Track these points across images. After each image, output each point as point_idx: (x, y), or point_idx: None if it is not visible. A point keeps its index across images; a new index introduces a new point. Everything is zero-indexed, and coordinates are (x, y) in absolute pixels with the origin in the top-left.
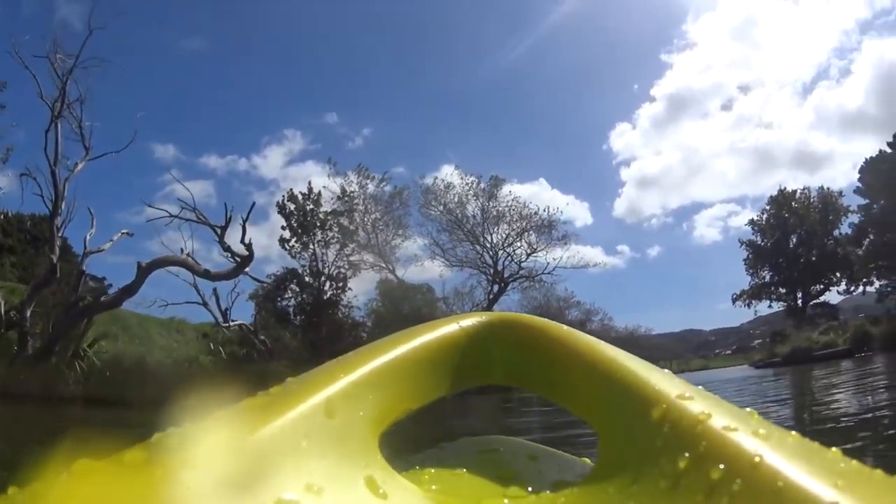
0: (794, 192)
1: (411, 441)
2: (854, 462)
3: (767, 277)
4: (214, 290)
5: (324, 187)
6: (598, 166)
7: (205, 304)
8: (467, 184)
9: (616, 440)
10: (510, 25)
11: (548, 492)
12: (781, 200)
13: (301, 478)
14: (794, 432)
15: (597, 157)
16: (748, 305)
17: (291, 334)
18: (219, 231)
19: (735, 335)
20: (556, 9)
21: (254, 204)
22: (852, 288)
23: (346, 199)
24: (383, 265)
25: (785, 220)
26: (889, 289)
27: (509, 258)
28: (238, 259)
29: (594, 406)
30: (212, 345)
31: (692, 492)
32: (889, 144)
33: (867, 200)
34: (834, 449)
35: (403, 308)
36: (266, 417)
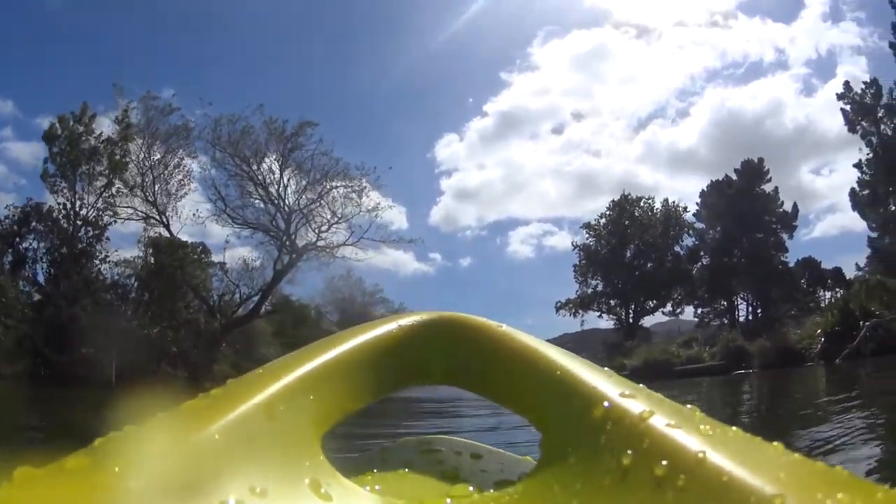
0: (639, 198)
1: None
2: (796, 455)
3: (600, 287)
4: None
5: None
6: (419, 173)
7: None
8: (270, 129)
9: (559, 438)
10: (366, 22)
11: (491, 490)
12: (623, 205)
13: (244, 481)
14: (735, 428)
15: (420, 163)
16: (574, 315)
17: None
18: None
19: None
20: (411, 13)
21: None
22: (678, 310)
23: (123, 123)
24: (156, 217)
25: (624, 228)
26: (710, 316)
27: (305, 223)
28: None
29: (536, 405)
30: None
31: (637, 488)
32: (736, 172)
33: (703, 225)
34: (776, 443)
35: (174, 271)
36: (207, 420)
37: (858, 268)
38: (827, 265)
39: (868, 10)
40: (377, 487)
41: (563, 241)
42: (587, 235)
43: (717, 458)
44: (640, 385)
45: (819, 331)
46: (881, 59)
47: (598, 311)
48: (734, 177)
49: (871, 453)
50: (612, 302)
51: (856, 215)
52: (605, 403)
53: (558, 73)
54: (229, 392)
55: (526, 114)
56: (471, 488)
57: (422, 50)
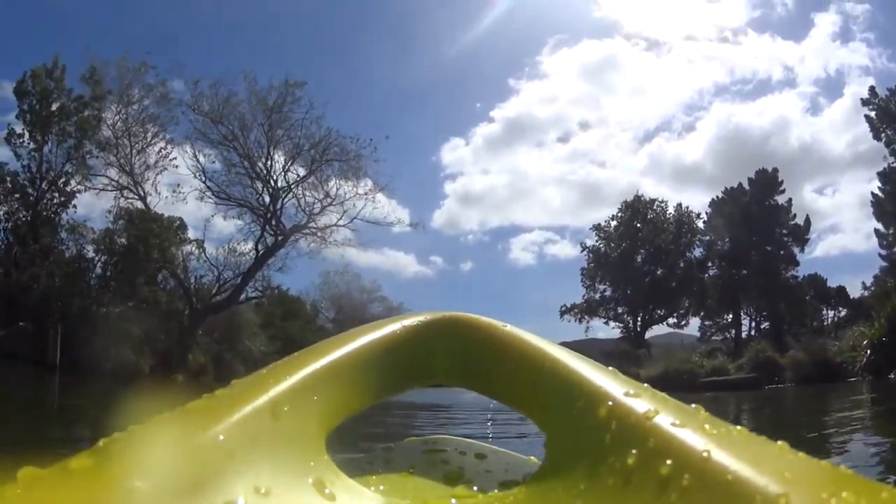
0: (652, 200)
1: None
2: (801, 454)
3: (609, 292)
4: None
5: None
6: (424, 176)
7: None
8: (256, 96)
9: (563, 438)
10: (376, 24)
11: (495, 491)
12: (636, 206)
13: (248, 480)
14: (740, 427)
15: (425, 166)
16: (580, 320)
17: None
18: None
19: None
20: (422, 18)
21: None
22: (683, 322)
23: (92, 81)
24: (132, 189)
25: (636, 231)
26: (713, 329)
27: (296, 204)
28: None
29: (540, 404)
30: None
31: (642, 488)
32: (749, 181)
33: (711, 236)
34: (780, 442)
35: (144, 245)
36: (212, 420)
37: (865, 286)
38: (830, 284)
39: (877, 32)
40: (381, 487)
41: (564, 249)
42: (597, 238)
43: (722, 457)
44: (645, 384)
45: (865, 342)
46: (890, 80)
47: (604, 317)
48: (747, 186)
49: None
50: (620, 309)
51: (857, 236)
52: (610, 403)
53: (567, 82)
54: (234, 392)
55: (533, 121)
56: (475, 489)
57: (431, 54)
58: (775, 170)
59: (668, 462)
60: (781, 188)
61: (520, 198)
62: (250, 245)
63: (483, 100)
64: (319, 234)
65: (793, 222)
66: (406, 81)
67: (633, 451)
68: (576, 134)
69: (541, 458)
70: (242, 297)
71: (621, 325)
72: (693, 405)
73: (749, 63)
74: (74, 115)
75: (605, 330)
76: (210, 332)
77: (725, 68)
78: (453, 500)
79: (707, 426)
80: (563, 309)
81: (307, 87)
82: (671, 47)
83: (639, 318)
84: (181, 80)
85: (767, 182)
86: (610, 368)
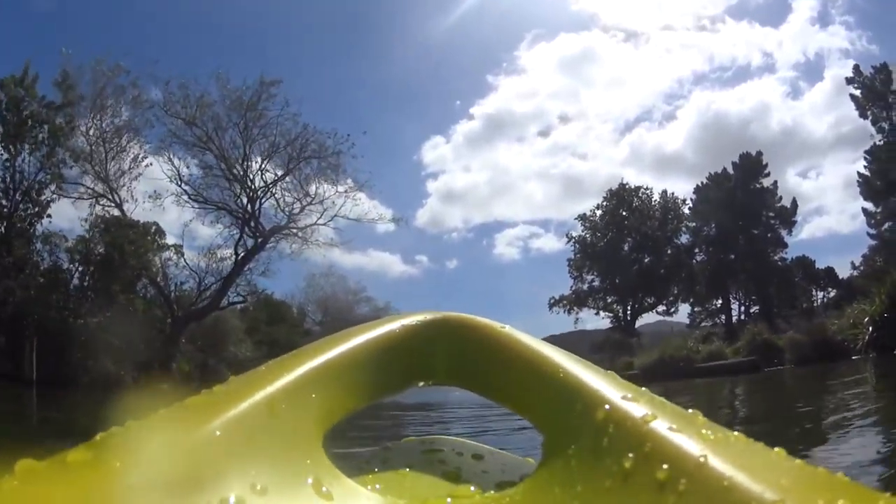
0: (637, 188)
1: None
2: (798, 461)
3: (597, 282)
4: None
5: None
6: (405, 175)
7: None
8: (228, 97)
9: (560, 440)
10: (351, 21)
11: (492, 492)
12: (621, 195)
13: (245, 478)
14: (737, 433)
15: (406, 166)
16: (569, 312)
17: None
18: None
19: None
20: (395, 15)
21: None
22: (672, 309)
23: (65, 85)
24: (108, 196)
25: (622, 219)
26: (702, 315)
27: (275, 205)
28: None
29: (538, 406)
30: None
31: (638, 491)
32: (734, 165)
33: (696, 223)
34: (777, 449)
35: (120, 253)
36: (210, 416)
37: (854, 266)
38: (818, 266)
39: (856, 15)
40: (378, 487)
41: (549, 243)
42: (582, 228)
43: (719, 463)
44: (643, 388)
45: (867, 319)
46: (870, 62)
47: (594, 307)
48: (731, 171)
49: None
50: (609, 298)
51: (842, 217)
52: (607, 406)
53: (545, 76)
54: (231, 389)
55: (512, 116)
56: (472, 489)
57: (407, 52)
58: (759, 153)
59: (665, 466)
60: (766, 171)
61: (502, 193)
62: (230, 249)
63: (462, 97)
64: (300, 234)
65: (779, 205)
66: (383, 81)
67: (630, 455)
68: (556, 127)
69: (538, 459)
70: (224, 302)
71: (611, 314)
72: (690, 410)
73: (727, 50)
74: (46, 122)
75: (594, 321)
76: (194, 340)
77: (704, 56)
78: (450, 500)
79: (704, 431)
80: (552, 301)
81: (282, 85)
82: (649, 37)
83: (628, 307)
84: (154, 83)
85: (752, 166)
86: (609, 372)
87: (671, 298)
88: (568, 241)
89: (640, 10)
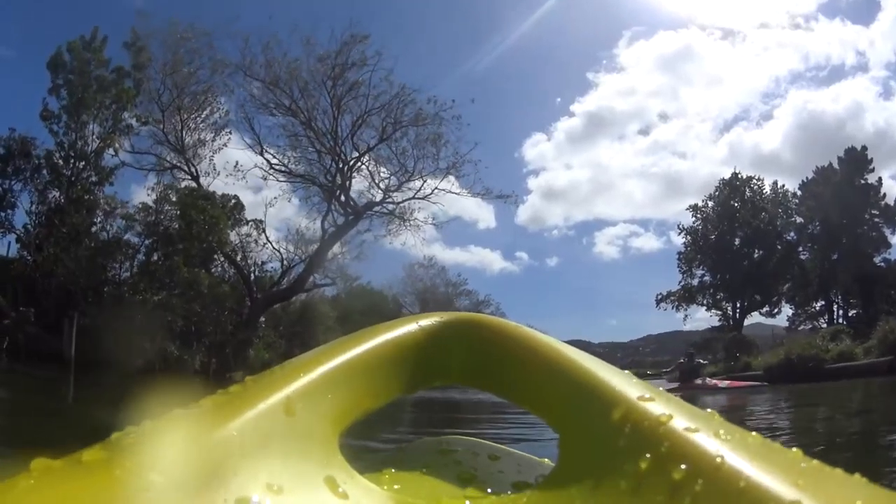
0: (750, 178)
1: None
2: (815, 462)
3: (707, 277)
4: None
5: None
6: (508, 172)
7: None
8: (321, 61)
9: (577, 441)
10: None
11: (508, 492)
12: (735, 185)
13: (261, 477)
14: (754, 433)
15: (508, 162)
16: (677, 308)
17: None
18: None
19: (622, 350)
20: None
21: None
22: (775, 310)
23: (138, 47)
24: (183, 168)
25: (734, 211)
26: (802, 317)
27: (370, 180)
28: None
29: (554, 407)
30: None
31: (654, 493)
32: (839, 160)
33: (801, 220)
34: (795, 449)
35: (193, 225)
36: (226, 416)
37: None
38: None
39: None
40: (394, 487)
41: (648, 242)
42: (693, 219)
43: (736, 463)
44: (659, 388)
45: None
46: None
47: (703, 304)
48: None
49: None
50: (719, 295)
51: None
52: (624, 406)
53: (644, 73)
54: (248, 389)
55: (612, 114)
56: (488, 490)
57: (508, 50)
58: (864, 147)
59: (682, 467)
60: (871, 166)
61: (602, 191)
62: (318, 225)
63: (562, 94)
64: (398, 212)
65: (883, 202)
66: (482, 78)
67: (647, 455)
68: (656, 126)
69: (554, 459)
70: (310, 283)
71: (720, 312)
72: (708, 410)
73: (822, 49)
74: (114, 86)
75: (692, 322)
76: (275, 326)
77: (799, 55)
78: (466, 502)
79: (721, 432)
80: (660, 297)
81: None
82: (745, 36)
83: (737, 305)
84: (233, 42)
85: (857, 160)
86: (626, 371)
87: (775, 298)
88: (679, 233)
89: (736, 8)
